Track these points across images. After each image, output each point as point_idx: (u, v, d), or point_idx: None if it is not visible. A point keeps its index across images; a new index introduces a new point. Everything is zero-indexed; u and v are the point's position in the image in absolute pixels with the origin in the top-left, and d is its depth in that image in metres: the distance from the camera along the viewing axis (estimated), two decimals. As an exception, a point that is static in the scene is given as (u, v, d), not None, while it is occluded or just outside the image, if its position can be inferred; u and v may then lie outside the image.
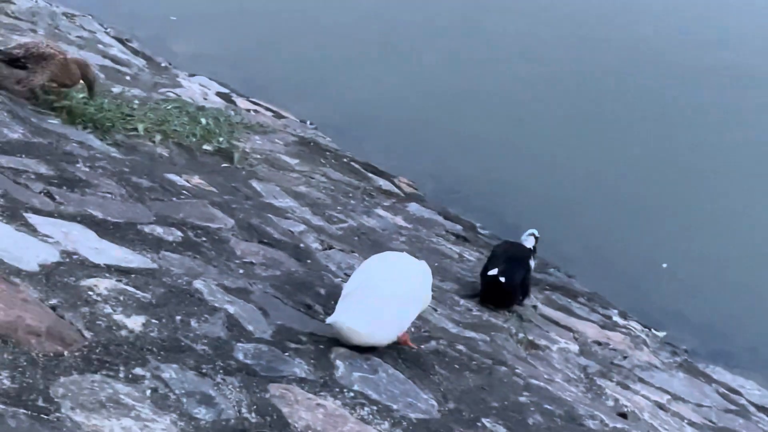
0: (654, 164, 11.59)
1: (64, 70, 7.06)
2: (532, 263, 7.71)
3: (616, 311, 8.58)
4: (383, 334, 4.85)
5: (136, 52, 11.10)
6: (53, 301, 3.91)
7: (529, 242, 7.91)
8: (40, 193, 5.22)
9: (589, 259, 8.92)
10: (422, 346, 5.24)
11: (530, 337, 6.69)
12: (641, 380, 7.08)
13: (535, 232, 8.03)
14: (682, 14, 16.32)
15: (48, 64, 6.94)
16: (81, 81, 7.29)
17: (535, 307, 7.63)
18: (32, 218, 4.75)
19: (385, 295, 4.87)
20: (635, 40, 15.15)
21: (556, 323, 7.54)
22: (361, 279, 5.00)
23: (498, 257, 7.40)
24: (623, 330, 8.09)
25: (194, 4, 14.18)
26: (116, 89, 8.50)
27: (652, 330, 8.44)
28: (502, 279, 7.07)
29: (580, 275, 9.08)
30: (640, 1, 17.17)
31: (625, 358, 7.37)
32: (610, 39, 15.07)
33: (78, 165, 6.00)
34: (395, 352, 4.94)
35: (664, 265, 9.53)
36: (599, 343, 7.45)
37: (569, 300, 8.31)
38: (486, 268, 7.29)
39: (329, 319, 4.74)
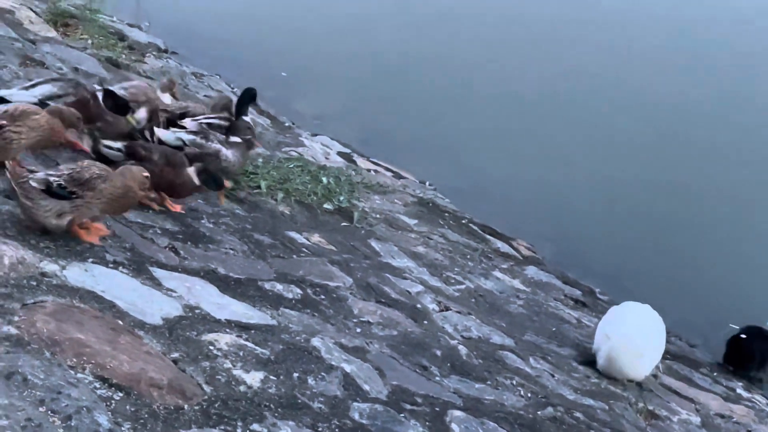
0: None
1: None
2: None
3: (740, 383, 8.32)
4: (641, 370, 6.74)
5: (261, 112, 11.33)
6: (175, 355, 3.98)
7: None
8: (165, 247, 5.35)
9: (712, 329, 8.68)
10: (539, 413, 5.17)
11: (650, 407, 6.52)
12: (766, 455, 6.84)
13: None
14: None
15: None
16: None
17: (655, 376, 7.46)
18: (157, 272, 4.86)
19: (646, 340, 6.79)
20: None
21: (677, 393, 7.34)
22: (622, 323, 6.84)
23: (743, 330, 8.61)
24: (747, 403, 7.82)
25: (317, 64, 14.43)
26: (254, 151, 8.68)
27: (778, 403, 8.15)
28: (743, 336, 8.44)
29: (703, 344, 8.84)
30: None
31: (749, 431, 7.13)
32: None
33: (203, 221, 6.14)
34: (511, 417, 4.88)
35: None
36: (722, 416, 7.22)
37: (691, 370, 8.10)
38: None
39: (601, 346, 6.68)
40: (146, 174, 5.28)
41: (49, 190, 4.80)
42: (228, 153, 6.87)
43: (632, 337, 6.68)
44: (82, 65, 8.74)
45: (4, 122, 5.27)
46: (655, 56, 16.36)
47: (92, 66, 8.88)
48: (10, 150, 5.28)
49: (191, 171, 6.03)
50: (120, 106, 6.31)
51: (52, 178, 4.85)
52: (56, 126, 5.44)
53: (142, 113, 6.57)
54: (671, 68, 16.01)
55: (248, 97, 7.56)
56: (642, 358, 6.69)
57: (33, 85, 6.13)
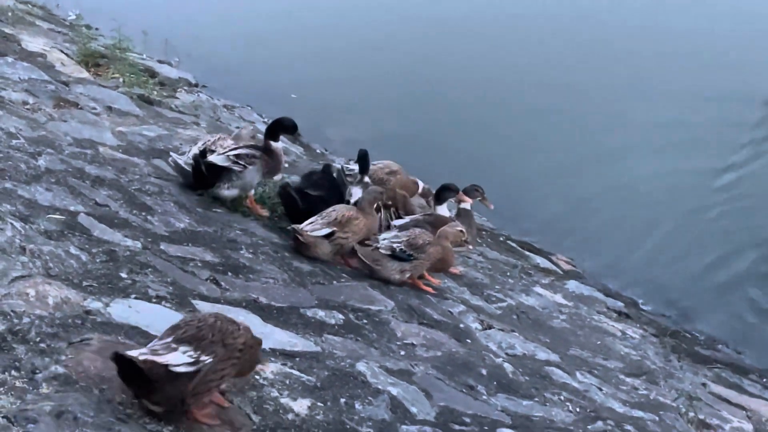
0: None
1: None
2: None
3: (790, 388, 8.21)
4: None
5: (293, 140, 11.37)
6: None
7: None
8: (206, 280, 5.37)
9: (759, 334, 8.57)
10: (589, 427, 5.13)
11: (701, 417, 6.44)
12: (822, 460, 6.73)
13: None
14: None
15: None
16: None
17: (704, 384, 7.38)
18: (199, 305, 4.88)
19: None
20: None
21: (728, 401, 7.26)
22: None
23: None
24: (799, 407, 7.72)
25: (349, 91, 14.44)
26: (277, 177, 8.71)
27: (832, 407, 8.03)
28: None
29: (751, 351, 8.73)
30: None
31: (803, 437, 7.03)
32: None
33: (242, 251, 6.16)
34: (561, 433, 4.84)
35: None
36: (775, 422, 7.12)
37: (740, 377, 8.00)
38: None
39: None
40: (460, 228, 7.01)
41: (394, 254, 6.63)
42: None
43: None
44: (115, 104, 8.83)
45: (335, 228, 6.63)
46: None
47: (125, 104, 8.97)
48: (340, 250, 6.72)
49: None
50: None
51: (394, 245, 6.66)
52: (371, 227, 6.90)
53: (357, 191, 7.61)
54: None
55: (281, 127, 7.49)
56: None
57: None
